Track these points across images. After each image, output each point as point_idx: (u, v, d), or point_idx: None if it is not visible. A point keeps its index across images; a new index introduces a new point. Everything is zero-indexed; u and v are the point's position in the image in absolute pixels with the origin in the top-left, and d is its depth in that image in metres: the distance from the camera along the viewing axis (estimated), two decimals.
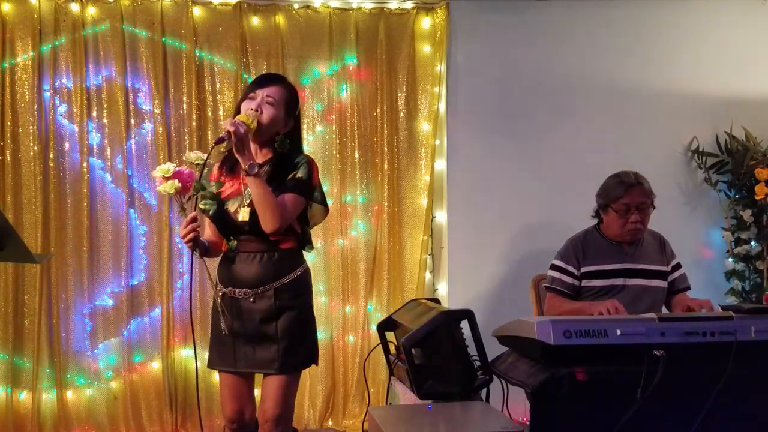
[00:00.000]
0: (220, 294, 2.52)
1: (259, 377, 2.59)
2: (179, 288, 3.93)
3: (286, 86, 2.57)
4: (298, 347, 2.51)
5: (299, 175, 2.49)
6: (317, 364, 2.66)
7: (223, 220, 2.51)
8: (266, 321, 2.48)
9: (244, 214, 2.45)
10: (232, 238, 2.52)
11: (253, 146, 2.51)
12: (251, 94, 2.51)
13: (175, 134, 3.95)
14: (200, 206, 2.53)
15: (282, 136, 2.54)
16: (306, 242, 2.60)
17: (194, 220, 2.41)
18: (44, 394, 3.83)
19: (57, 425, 3.81)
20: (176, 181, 2.39)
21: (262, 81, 2.56)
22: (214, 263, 2.64)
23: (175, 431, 3.90)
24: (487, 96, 4.20)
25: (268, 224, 2.40)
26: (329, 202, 4.04)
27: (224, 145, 2.41)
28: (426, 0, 4.14)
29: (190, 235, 2.39)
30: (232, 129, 2.33)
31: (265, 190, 2.38)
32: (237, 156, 2.39)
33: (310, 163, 2.54)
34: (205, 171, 2.52)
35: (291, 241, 2.54)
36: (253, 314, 2.48)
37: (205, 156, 2.45)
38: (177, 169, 2.43)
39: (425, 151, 4.14)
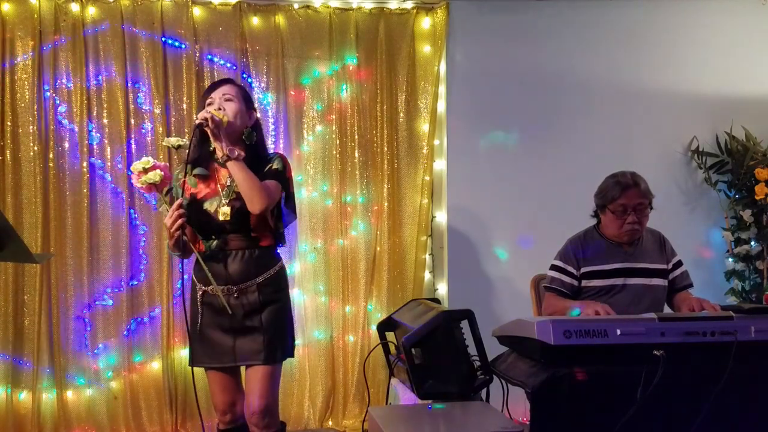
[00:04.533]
0: (200, 293, 2.59)
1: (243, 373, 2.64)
2: (179, 288, 3.93)
3: (236, 83, 2.70)
4: (281, 339, 2.60)
5: (275, 166, 2.60)
6: (293, 357, 2.74)
7: (202, 220, 2.57)
8: (250, 315, 2.55)
9: (224, 214, 2.52)
10: (213, 237, 2.57)
11: (224, 147, 2.60)
12: (208, 100, 2.60)
13: (175, 134, 3.94)
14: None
15: (249, 128, 2.63)
16: (280, 238, 2.67)
17: (181, 206, 2.48)
18: (44, 394, 3.83)
19: (57, 425, 3.81)
20: (158, 170, 2.48)
21: (214, 85, 2.68)
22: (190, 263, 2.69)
23: (175, 431, 3.90)
24: (486, 96, 4.20)
25: (255, 204, 2.47)
26: (328, 202, 4.08)
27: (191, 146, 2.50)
28: (426, 0, 4.14)
29: (180, 221, 2.46)
30: (208, 116, 2.45)
31: (248, 172, 2.48)
32: (216, 144, 2.51)
33: (283, 159, 2.66)
34: (176, 173, 2.64)
35: (269, 239, 2.62)
36: (236, 309, 2.55)
37: (184, 140, 2.55)
38: (155, 163, 2.51)
39: (425, 151, 4.14)
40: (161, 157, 3.87)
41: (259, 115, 2.77)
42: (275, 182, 2.56)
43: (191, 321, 2.65)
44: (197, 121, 2.49)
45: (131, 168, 2.55)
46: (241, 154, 2.50)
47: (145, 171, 2.47)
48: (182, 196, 2.51)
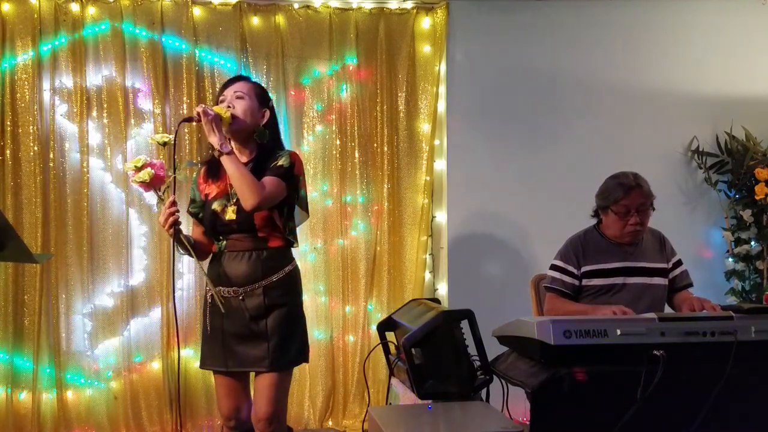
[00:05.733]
0: (209, 294, 2.56)
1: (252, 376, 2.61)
2: (179, 288, 3.93)
3: (251, 81, 2.66)
4: (288, 345, 2.54)
5: (280, 163, 2.53)
6: (307, 362, 2.69)
7: (210, 220, 2.55)
8: (255, 319, 2.51)
9: (230, 213, 2.50)
10: (221, 238, 2.56)
11: (235, 146, 2.57)
12: (221, 98, 2.59)
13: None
14: (189, 210, 2.61)
15: (261, 127, 2.59)
16: (290, 237, 2.61)
17: (173, 204, 2.44)
18: (44, 394, 3.83)
19: (57, 425, 3.81)
20: (150, 168, 2.43)
21: (227, 82, 2.65)
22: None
23: (175, 431, 3.90)
24: (487, 96, 4.20)
25: (247, 200, 2.42)
26: (328, 202, 4.08)
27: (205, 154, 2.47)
28: (426, 0, 4.14)
29: (171, 219, 2.41)
30: (200, 110, 2.42)
31: (240, 167, 2.44)
32: (209, 139, 2.45)
33: (292, 155, 2.58)
34: (194, 176, 2.63)
35: (278, 240, 2.57)
36: (242, 312, 2.51)
37: (171, 136, 2.51)
38: (148, 161, 2.47)
39: (425, 151, 4.14)
40: (161, 156, 3.86)
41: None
42: (276, 179, 2.48)
43: (202, 322, 2.63)
44: (188, 116, 2.48)
45: (124, 167, 2.53)
46: (228, 147, 2.45)
47: (138, 169, 2.44)
48: (173, 193, 2.48)
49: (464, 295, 4.06)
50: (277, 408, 2.53)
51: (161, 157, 3.77)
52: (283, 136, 3.96)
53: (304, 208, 2.66)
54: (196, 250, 2.56)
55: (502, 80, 4.21)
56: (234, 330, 2.53)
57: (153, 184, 2.45)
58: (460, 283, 4.15)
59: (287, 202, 2.56)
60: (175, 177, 2.50)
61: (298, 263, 3.95)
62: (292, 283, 2.60)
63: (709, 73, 4.37)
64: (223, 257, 2.55)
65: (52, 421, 3.82)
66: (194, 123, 2.50)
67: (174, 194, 2.48)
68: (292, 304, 2.58)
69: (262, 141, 2.59)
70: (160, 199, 2.48)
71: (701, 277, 3.75)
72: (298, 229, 2.69)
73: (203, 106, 2.46)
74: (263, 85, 3.97)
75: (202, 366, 2.66)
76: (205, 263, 2.66)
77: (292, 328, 2.56)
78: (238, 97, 2.55)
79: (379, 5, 4.12)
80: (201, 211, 2.60)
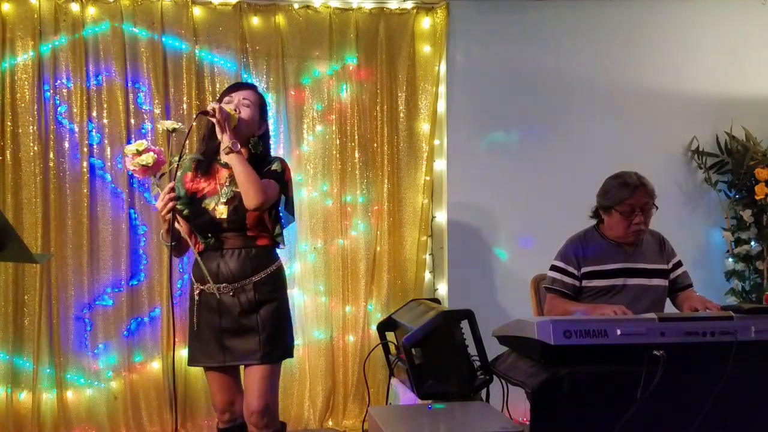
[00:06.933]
0: (197, 291, 2.60)
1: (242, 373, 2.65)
2: (179, 288, 3.93)
3: (258, 92, 2.74)
4: (278, 338, 2.61)
5: (274, 167, 2.63)
6: (292, 357, 2.76)
7: (201, 218, 2.59)
8: (246, 313, 2.56)
9: (222, 212, 2.55)
10: (210, 235, 2.59)
11: None
12: (227, 98, 2.65)
13: (175, 134, 3.93)
14: (177, 206, 2.61)
15: (256, 138, 2.67)
16: (278, 238, 2.67)
17: (172, 190, 2.48)
18: (44, 394, 3.83)
19: (57, 425, 3.81)
20: (152, 153, 2.48)
21: (237, 86, 2.74)
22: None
23: (175, 431, 3.90)
24: (486, 96, 4.20)
25: (252, 199, 2.48)
26: (328, 202, 4.08)
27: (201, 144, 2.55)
28: (426, 0, 4.14)
29: (170, 204, 2.46)
30: (216, 106, 2.48)
31: (247, 167, 2.50)
32: (219, 135, 2.51)
33: (282, 162, 2.68)
34: (179, 174, 2.65)
35: (266, 239, 2.64)
36: (232, 308, 2.56)
37: (179, 124, 2.54)
38: (148, 146, 2.51)
39: (425, 151, 4.14)
40: (160, 145, 3.86)
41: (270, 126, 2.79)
42: (274, 182, 2.58)
43: (189, 320, 2.66)
44: (205, 108, 2.53)
45: (125, 150, 2.55)
46: (239, 146, 2.51)
47: (139, 153, 2.47)
48: (173, 180, 2.53)
49: (464, 295, 4.06)
50: (268, 401, 2.57)
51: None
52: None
53: (291, 212, 2.73)
54: (180, 244, 2.62)
55: (501, 80, 4.21)
56: (225, 325, 2.58)
57: (153, 169, 2.49)
58: (460, 283, 4.15)
59: (275, 205, 2.64)
60: (178, 165, 2.54)
61: (298, 263, 4.03)
62: (280, 279, 2.68)
63: (708, 73, 4.37)
64: (212, 254, 2.59)
65: (52, 421, 3.81)
66: (209, 117, 2.54)
67: (173, 181, 2.52)
68: (281, 299, 2.66)
69: (255, 151, 2.65)
70: (156, 185, 2.52)
71: (701, 277, 3.75)
72: (295, 229, 2.72)
73: (218, 104, 2.53)
74: (263, 85, 4.02)
75: (193, 363, 2.69)
76: (190, 262, 2.69)
77: (281, 322, 2.63)
78: (245, 105, 2.63)
79: (379, 5, 4.12)
80: (185, 207, 2.63)
